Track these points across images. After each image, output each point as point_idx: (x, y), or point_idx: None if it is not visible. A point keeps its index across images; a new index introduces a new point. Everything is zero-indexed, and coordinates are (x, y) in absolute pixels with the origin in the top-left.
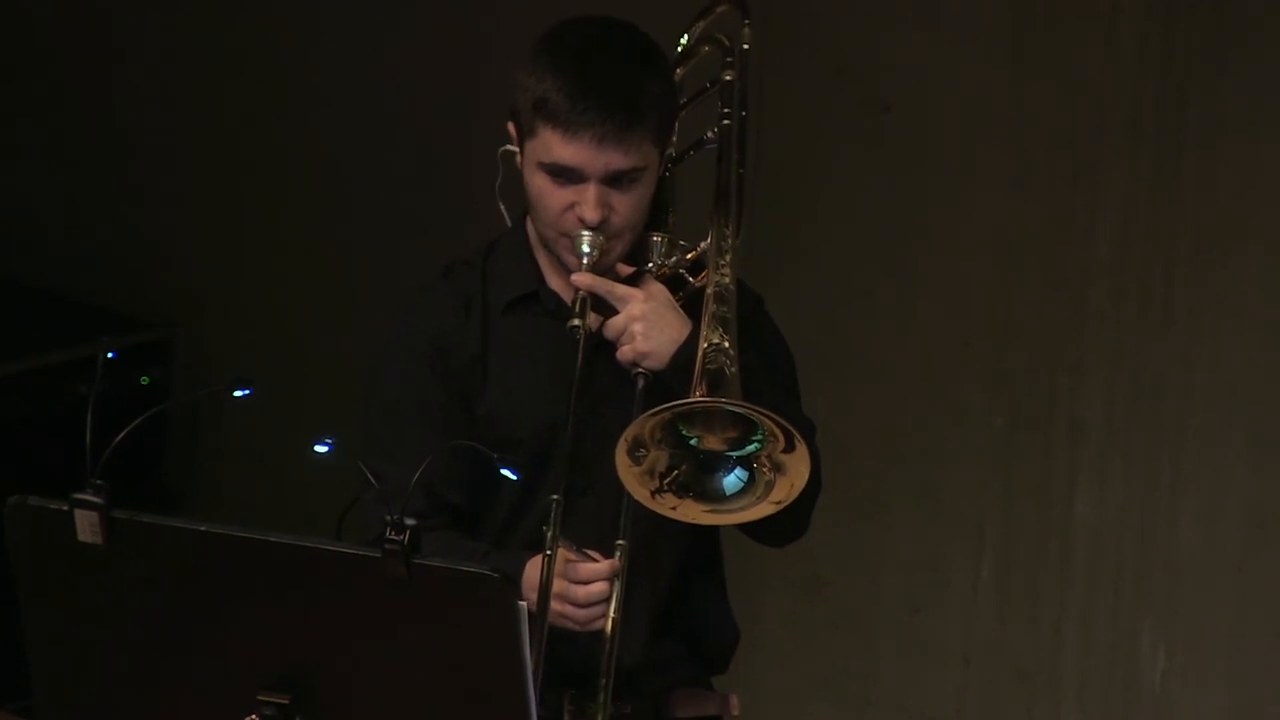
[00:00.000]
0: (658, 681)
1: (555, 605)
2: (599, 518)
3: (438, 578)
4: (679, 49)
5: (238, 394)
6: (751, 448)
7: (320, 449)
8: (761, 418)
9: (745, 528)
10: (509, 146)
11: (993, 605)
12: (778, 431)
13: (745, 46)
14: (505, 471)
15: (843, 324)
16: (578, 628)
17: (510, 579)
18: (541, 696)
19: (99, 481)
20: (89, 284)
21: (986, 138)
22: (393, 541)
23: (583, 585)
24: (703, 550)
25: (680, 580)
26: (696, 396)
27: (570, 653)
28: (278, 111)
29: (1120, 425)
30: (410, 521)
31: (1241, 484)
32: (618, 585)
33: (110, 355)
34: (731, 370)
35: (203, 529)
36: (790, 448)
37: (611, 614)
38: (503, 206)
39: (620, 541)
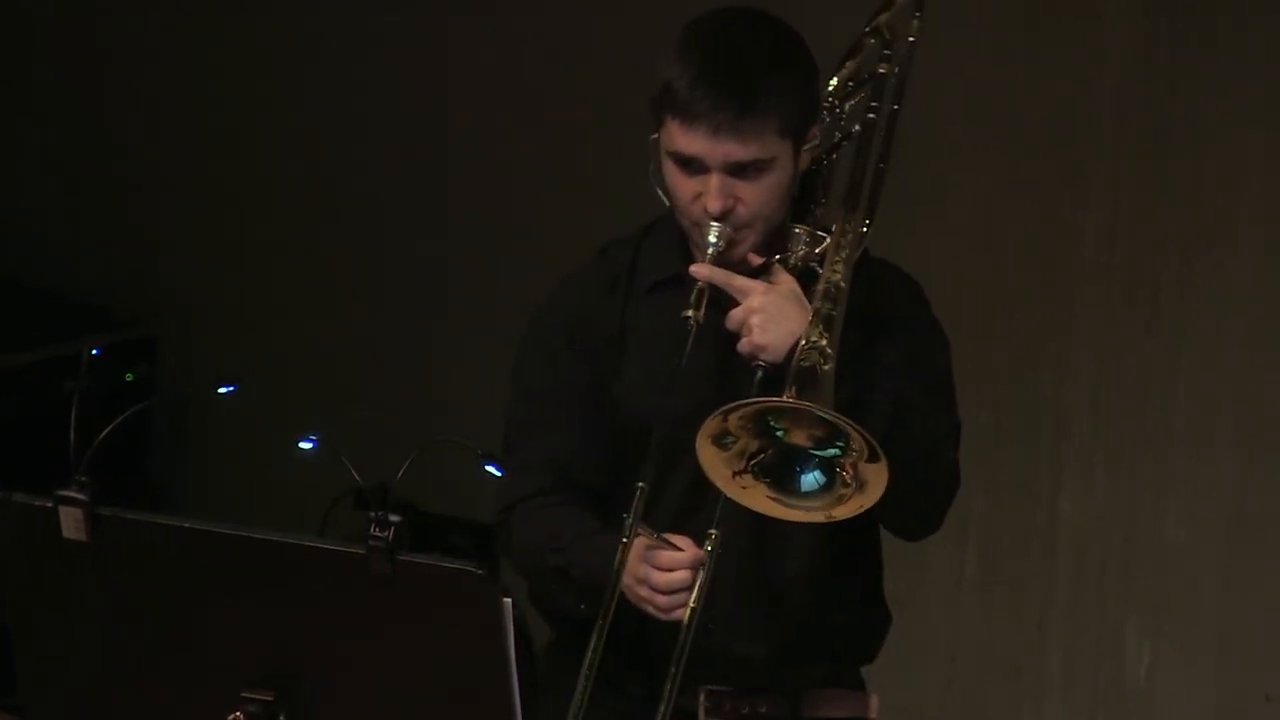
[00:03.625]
0: (796, 676)
1: (638, 589)
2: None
3: (422, 574)
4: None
5: (222, 391)
6: (833, 452)
7: (305, 445)
8: (844, 425)
9: (879, 516)
10: (654, 135)
11: (978, 603)
12: (861, 442)
13: (911, 39)
14: (490, 468)
15: None
16: (659, 614)
17: (495, 575)
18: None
19: (84, 478)
20: (74, 281)
21: (975, 136)
22: (377, 538)
23: (663, 572)
24: (854, 534)
25: (821, 569)
26: (785, 396)
27: (700, 646)
28: (264, 112)
29: (1105, 423)
30: (395, 518)
31: (1226, 482)
32: (702, 575)
33: (95, 352)
34: (824, 369)
35: (187, 526)
36: (874, 458)
37: (691, 604)
38: (659, 191)
39: (711, 531)
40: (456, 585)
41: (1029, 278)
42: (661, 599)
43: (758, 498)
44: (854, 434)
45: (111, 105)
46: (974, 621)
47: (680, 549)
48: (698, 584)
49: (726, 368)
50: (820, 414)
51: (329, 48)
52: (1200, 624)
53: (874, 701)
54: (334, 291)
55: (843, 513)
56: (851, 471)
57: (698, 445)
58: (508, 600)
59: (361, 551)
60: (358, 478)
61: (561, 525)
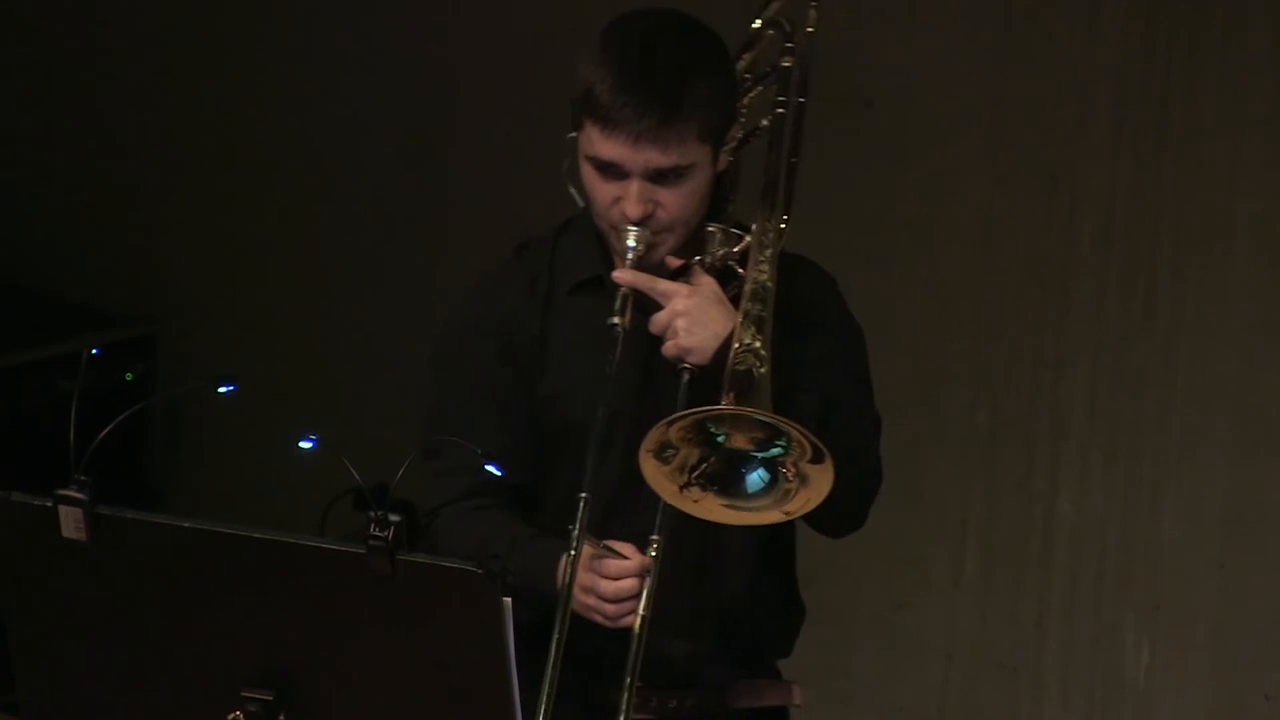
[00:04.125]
0: (719, 672)
1: (585, 599)
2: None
3: (422, 574)
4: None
5: (221, 390)
6: (775, 451)
7: (305, 445)
8: (787, 427)
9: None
10: (573, 134)
11: (975, 601)
12: (804, 442)
13: (810, 30)
14: (489, 468)
15: None
16: (607, 623)
17: (496, 575)
18: (586, 687)
19: (83, 478)
20: (73, 281)
21: (968, 134)
22: (377, 538)
23: (611, 581)
24: (778, 537)
25: (750, 568)
26: (723, 403)
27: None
28: (260, 111)
29: (1102, 421)
30: (395, 518)
31: (1223, 479)
32: (648, 582)
33: (94, 351)
34: (760, 371)
35: (187, 525)
36: (818, 459)
37: (641, 611)
38: (573, 189)
39: (654, 538)
40: (456, 585)
41: (1027, 277)
42: (610, 608)
43: (712, 508)
44: (796, 435)
45: (111, 105)
46: (971, 620)
47: (626, 557)
48: (645, 591)
49: (649, 370)
50: (763, 418)
51: (329, 49)
52: (1198, 622)
53: (797, 691)
54: (334, 291)
55: (795, 508)
56: (793, 469)
57: (641, 460)
58: (508, 600)
59: (361, 551)
60: (358, 478)
61: (493, 530)
